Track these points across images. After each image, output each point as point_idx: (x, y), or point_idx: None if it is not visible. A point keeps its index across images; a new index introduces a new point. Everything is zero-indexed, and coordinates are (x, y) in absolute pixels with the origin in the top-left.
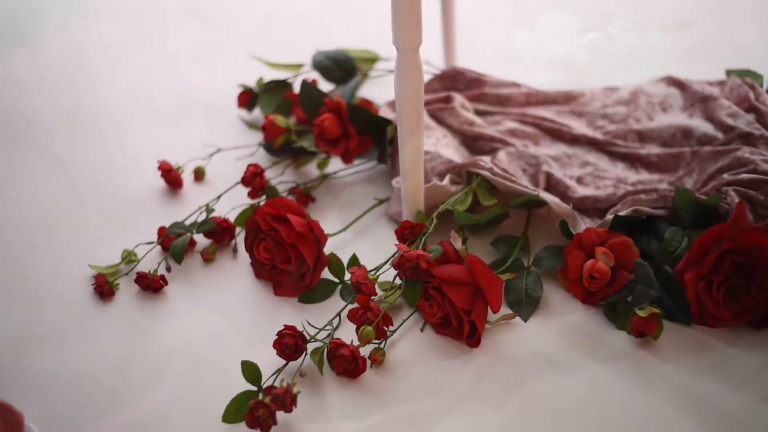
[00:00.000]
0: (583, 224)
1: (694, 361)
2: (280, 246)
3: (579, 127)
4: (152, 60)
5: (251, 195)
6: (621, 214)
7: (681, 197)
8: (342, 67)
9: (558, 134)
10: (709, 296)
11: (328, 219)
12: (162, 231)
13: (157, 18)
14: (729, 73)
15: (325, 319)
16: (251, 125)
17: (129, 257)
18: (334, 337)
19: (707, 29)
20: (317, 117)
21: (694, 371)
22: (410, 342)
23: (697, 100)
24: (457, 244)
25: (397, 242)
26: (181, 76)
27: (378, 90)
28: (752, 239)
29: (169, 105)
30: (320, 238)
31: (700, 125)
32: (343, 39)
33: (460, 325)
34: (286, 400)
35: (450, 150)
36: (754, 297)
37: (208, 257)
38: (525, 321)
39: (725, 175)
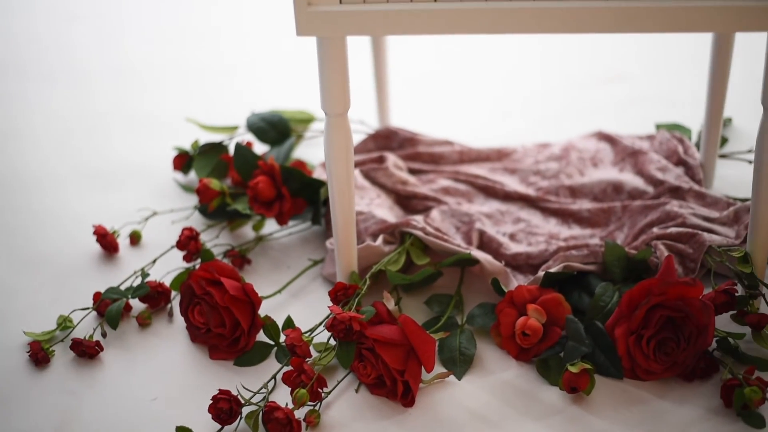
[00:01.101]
0: (515, 281)
1: (626, 415)
2: (215, 310)
3: (512, 183)
4: (86, 123)
5: (186, 258)
6: (552, 270)
7: (611, 252)
8: (276, 128)
9: (491, 191)
10: (639, 350)
11: (264, 281)
12: (97, 296)
13: (89, 80)
14: (658, 126)
15: (262, 381)
16: (186, 188)
17: (64, 323)
18: (270, 400)
19: (638, 83)
20: (251, 179)
21: (627, 425)
22: (346, 403)
23: (627, 154)
24: (390, 304)
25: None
26: (116, 139)
27: (313, 150)
28: (680, 293)
29: (104, 168)
30: (254, 301)
31: (631, 179)
32: (279, 98)
33: (394, 385)
34: None
35: (383, 210)
36: (684, 350)
37: (143, 322)
38: (459, 379)
39: (655, 229)
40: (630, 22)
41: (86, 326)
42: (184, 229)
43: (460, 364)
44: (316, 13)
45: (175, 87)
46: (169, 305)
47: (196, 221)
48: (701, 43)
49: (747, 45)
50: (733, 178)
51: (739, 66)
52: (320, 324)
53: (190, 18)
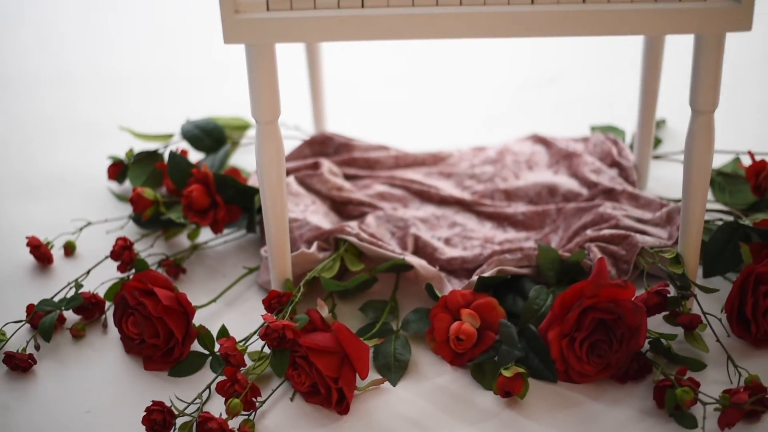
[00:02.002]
0: (449, 286)
1: (561, 418)
2: (148, 320)
3: (447, 188)
4: (19, 132)
5: (121, 269)
6: (486, 275)
7: (544, 255)
8: (211, 136)
9: (426, 196)
10: (572, 353)
11: (199, 289)
12: (31, 308)
13: (23, 88)
14: (593, 128)
15: (196, 391)
16: (121, 197)
17: None
18: (204, 410)
19: (573, 85)
20: (186, 188)
21: (561, 428)
22: (281, 412)
23: (561, 157)
24: (324, 311)
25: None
26: (50, 148)
27: (249, 157)
28: (612, 295)
29: (37, 178)
30: (188, 311)
31: (565, 182)
32: (215, 104)
33: (329, 392)
34: None
35: (318, 216)
36: (617, 352)
37: (77, 334)
38: (394, 385)
39: (588, 231)
40: (558, 26)
41: (19, 339)
42: (118, 239)
43: (395, 370)
44: (243, 21)
45: (110, 94)
46: (103, 316)
47: (131, 231)
48: (634, 44)
49: (680, 45)
50: (666, 179)
51: (673, 66)
52: (255, 333)
53: (123, 24)
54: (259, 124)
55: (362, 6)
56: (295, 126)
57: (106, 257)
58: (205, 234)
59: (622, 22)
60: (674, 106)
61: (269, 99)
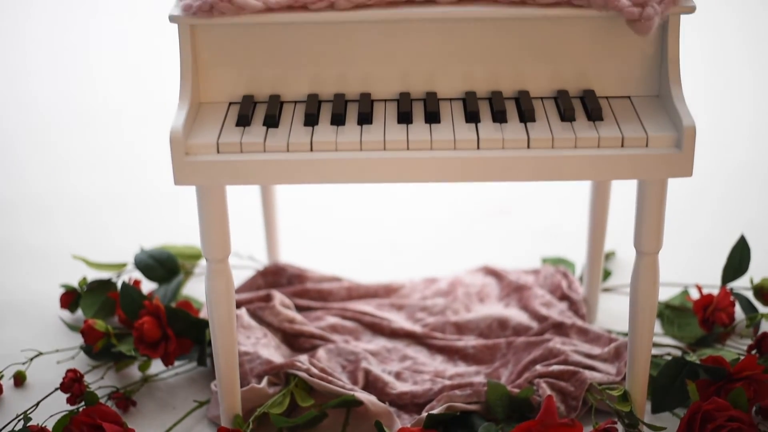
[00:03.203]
0: (399, 422)
1: None
2: None
3: (399, 320)
4: None
5: (70, 401)
6: (435, 411)
7: (493, 391)
8: (164, 266)
9: (378, 328)
10: None
11: (149, 423)
12: None
13: None
14: (544, 261)
15: None
16: (72, 327)
17: None
18: None
19: (524, 215)
20: (137, 320)
21: None
22: None
23: (512, 289)
24: None
25: None
26: (1, 275)
27: (202, 286)
28: None
29: None
30: None
31: (516, 315)
32: (169, 231)
33: None
34: None
35: (270, 350)
36: None
37: None
38: None
39: (538, 367)
40: (503, 171)
41: None
42: (68, 371)
43: None
44: (194, 163)
45: (63, 220)
46: None
47: (82, 361)
48: None
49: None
50: (616, 312)
51: (621, 197)
52: None
53: (77, 149)
54: (209, 262)
55: (311, 150)
56: (249, 256)
57: (56, 389)
58: (156, 366)
59: (566, 167)
60: (623, 237)
61: (219, 238)
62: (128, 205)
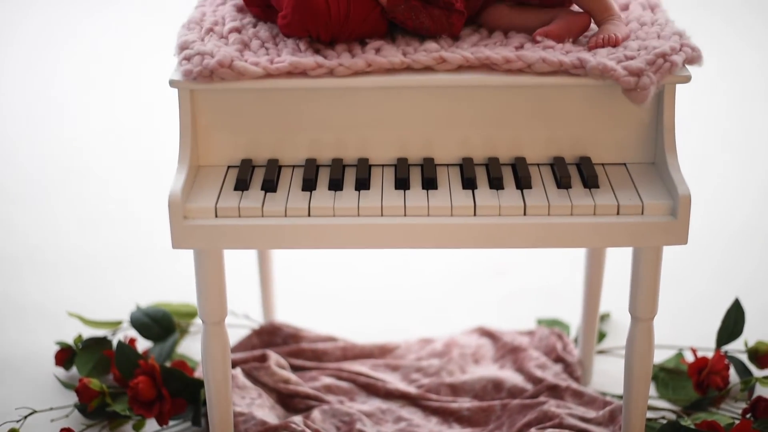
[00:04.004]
0: None
1: None
2: None
3: (394, 381)
4: None
5: None
6: None
7: None
8: (160, 324)
9: (373, 389)
10: None
11: None
12: None
13: None
14: (539, 322)
15: None
16: (67, 385)
17: None
18: None
19: (520, 276)
20: (132, 379)
21: None
22: None
23: (507, 351)
24: None
25: None
26: None
27: (198, 344)
28: None
29: None
30: None
31: (511, 377)
32: (165, 288)
33: None
34: None
35: (264, 410)
36: None
37: None
38: None
39: (533, 430)
40: (500, 238)
41: None
42: (62, 430)
43: None
44: (192, 227)
45: (59, 277)
46: None
47: (76, 420)
48: None
49: None
50: (611, 374)
51: (617, 258)
52: None
53: (75, 205)
54: (205, 324)
55: (309, 215)
56: (245, 315)
57: None
58: (151, 425)
59: (562, 235)
60: (618, 299)
61: (216, 301)
62: (124, 262)
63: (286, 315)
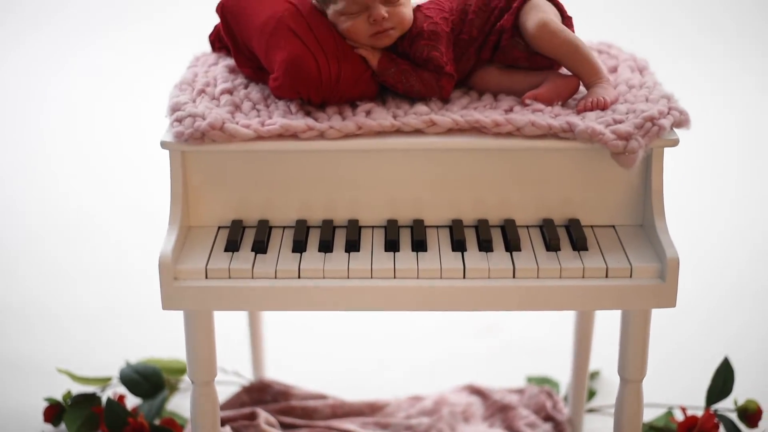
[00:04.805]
0: None
1: None
2: None
3: None
4: None
5: None
6: None
7: None
8: (150, 381)
9: None
10: None
11: None
12: None
13: None
14: (529, 379)
15: None
16: None
17: None
18: None
19: (510, 333)
20: None
21: None
22: None
23: (497, 409)
24: None
25: None
26: None
27: (187, 401)
28: None
29: None
30: None
31: None
32: (155, 343)
33: None
34: None
35: None
36: None
37: None
38: None
39: None
40: (489, 301)
41: None
42: None
43: None
44: (182, 288)
45: (49, 332)
46: None
47: None
48: None
49: None
50: None
51: (606, 316)
52: None
53: (66, 261)
54: (195, 385)
55: (299, 277)
56: (234, 371)
57: None
58: None
59: (551, 298)
60: (608, 357)
61: (206, 361)
62: (114, 317)
63: (276, 372)
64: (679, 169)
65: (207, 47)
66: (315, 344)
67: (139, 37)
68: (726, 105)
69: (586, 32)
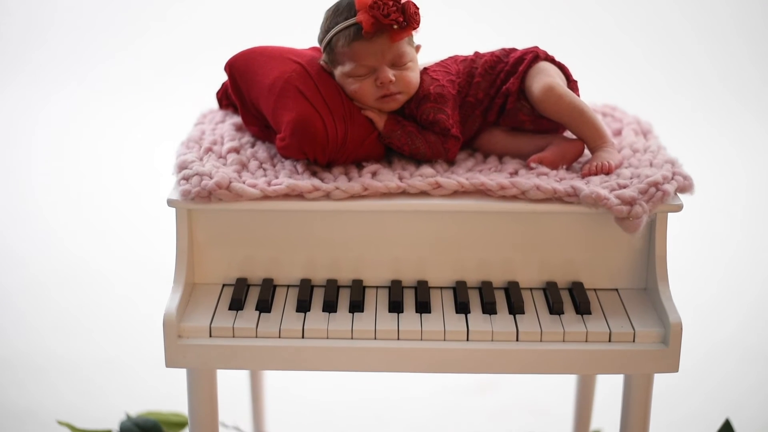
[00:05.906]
0: None
1: None
2: None
3: None
4: None
5: None
6: None
7: None
8: None
9: None
10: None
11: None
12: None
13: None
14: None
15: None
16: None
17: None
18: None
19: (507, 390)
20: None
21: None
22: None
23: None
24: None
25: None
26: None
27: None
28: None
29: None
30: None
31: None
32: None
33: None
34: None
35: None
36: None
37: None
38: None
39: None
40: (492, 363)
41: None
42: None
43: None
44: (186, 347)
45: (50, 384)
46: None
47: None
48: None
49: None
50: None
51: (609, 375)
52: None
53: (67, 312)
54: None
55: (302, 337)
56: (235, 426)
57: None
58: None
59: (554, 361)
60: (609, 415)
61: (208, 418)
62: (115, 369)
63: (277, 427)
64: (684, 232)
65: (214, 104)
66: (315, 401)
67: (152, 96)
68: (733, 163)
69: (591, 94)
